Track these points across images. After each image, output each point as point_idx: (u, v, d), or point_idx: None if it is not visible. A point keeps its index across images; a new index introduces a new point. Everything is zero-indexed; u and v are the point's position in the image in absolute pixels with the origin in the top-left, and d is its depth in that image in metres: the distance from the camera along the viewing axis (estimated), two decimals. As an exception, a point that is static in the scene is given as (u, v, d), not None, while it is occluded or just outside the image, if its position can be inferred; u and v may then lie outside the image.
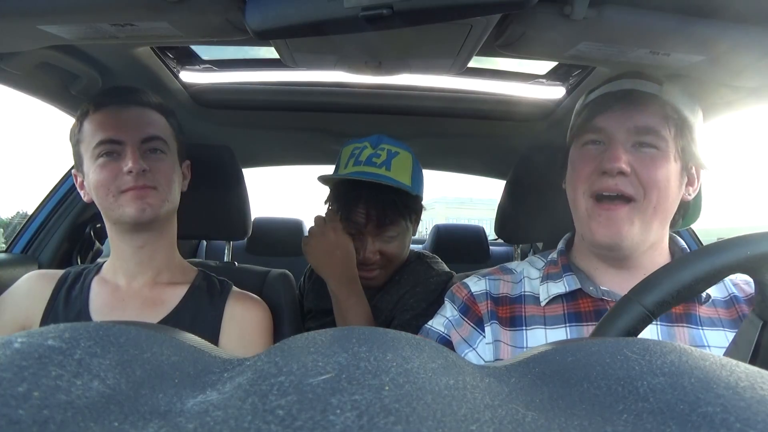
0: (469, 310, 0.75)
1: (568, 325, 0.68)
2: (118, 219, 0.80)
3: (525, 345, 0.69)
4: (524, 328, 0.70)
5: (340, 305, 0.98)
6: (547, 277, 0.73)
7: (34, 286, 0.84)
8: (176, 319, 0.82)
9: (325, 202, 1.08)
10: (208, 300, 0.85)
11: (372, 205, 1.00)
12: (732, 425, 0.16)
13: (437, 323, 0.77)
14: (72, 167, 0.86)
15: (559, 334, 0.68)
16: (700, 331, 0.64)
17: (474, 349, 0.71)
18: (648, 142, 0.65)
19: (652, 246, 0.68)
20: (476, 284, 0.77)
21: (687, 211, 0.75)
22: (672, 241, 0.73)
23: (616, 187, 0.64)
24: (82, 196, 0.85)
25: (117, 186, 0.77)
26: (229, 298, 0.86)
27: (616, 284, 0.69)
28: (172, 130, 0.86)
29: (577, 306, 0.69)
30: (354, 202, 1.01)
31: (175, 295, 0.85)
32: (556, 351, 0.23)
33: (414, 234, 1.14)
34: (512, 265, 0.81)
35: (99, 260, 0.90)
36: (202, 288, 0.87)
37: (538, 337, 0.69)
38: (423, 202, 1.11)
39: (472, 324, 0.73)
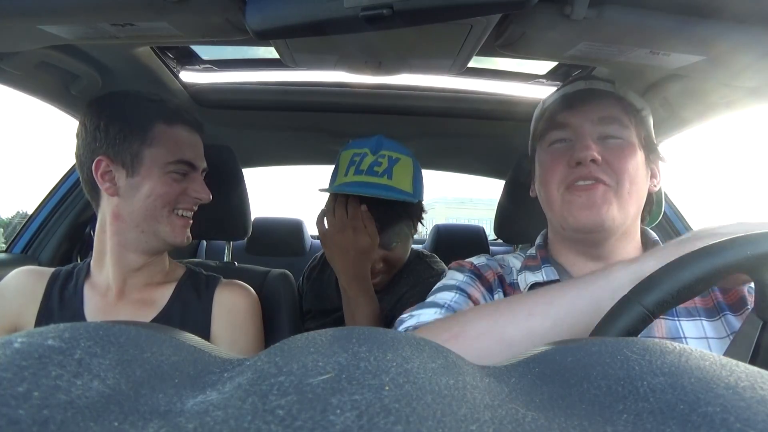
0: (479, 277, 0.73)
1: None
2: (148, 230, 0.80)
3: None
4: None
5: (349, 301, 0.98)
6: (525, 268, 0.74)
7: (25, 283, 0.84)
8: (167, 316, 0.83)
9: (326, 208, 1.02)
10: (196, 294, 0.87)
11: (374, 219, 0.96)
12: (732, 425, 0.16)
13: (448, 288, 0.69)
14: (94, 157, 0.77)
15: None
16: (677, 322, 0.64)
17: None
18: (613, 134, 0.67)
19: (627, 237, 0.69)
20: (478, 260, 0.77)
21: (652, 207, 0.76)
22: (644, 235, 0.73)
23: (591, 174, 0.65)
24: (100, 184, 0.78)
25: (174, 203, 0.81)
26: (216, 289, 0.88)
27: None
28: None
29: None
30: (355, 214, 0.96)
31: (164, 294, 0.86)
32: (556, 351, 0.23)
33: (414, 234, 1.15)
34: (498, 256, 0.81)
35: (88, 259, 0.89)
36: (189, 284, 0.88)
37: None
38: (423, 203, 1.11)
39: (483, 289, 0.71)
